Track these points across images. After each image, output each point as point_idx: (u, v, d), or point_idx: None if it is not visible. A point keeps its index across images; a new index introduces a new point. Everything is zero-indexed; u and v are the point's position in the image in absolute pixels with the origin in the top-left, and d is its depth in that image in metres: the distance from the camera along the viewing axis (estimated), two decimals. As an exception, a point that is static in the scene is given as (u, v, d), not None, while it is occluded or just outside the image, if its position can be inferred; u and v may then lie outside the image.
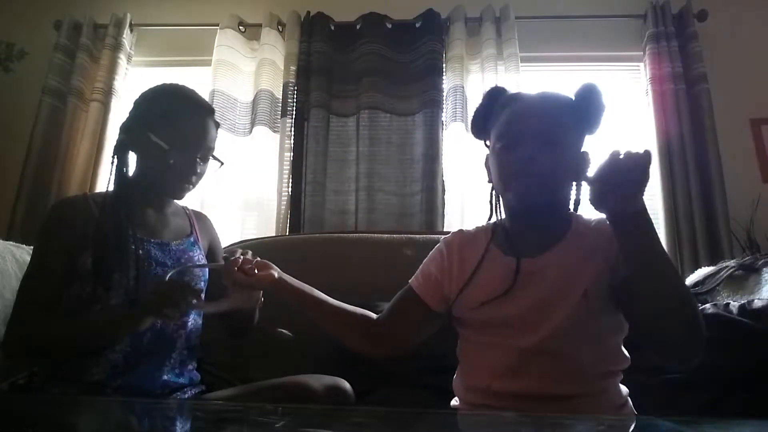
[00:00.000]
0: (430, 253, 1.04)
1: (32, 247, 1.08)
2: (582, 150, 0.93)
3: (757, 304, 1.13)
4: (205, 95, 2.19)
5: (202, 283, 1.13)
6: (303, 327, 1.08)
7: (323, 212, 2.12)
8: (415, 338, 1.00)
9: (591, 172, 0.77)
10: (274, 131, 2.25)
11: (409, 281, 1.02)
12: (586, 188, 0.80)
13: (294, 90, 2.26)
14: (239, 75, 2.33)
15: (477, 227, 1.03)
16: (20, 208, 2.12)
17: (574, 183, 0.92)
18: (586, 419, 0.75)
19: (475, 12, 2.31)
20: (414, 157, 2.17)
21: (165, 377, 1.03)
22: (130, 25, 2.36)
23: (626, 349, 0.90)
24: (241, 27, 2.36)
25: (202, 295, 1.14)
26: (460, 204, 2.11)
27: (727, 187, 2.04)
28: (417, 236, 1.70)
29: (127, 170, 1.08)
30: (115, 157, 1.07)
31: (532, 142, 0.87)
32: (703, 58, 2.17)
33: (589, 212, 0.89)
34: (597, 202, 0.76)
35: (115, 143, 1.09)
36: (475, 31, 2.31)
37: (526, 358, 0.85)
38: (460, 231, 1.04)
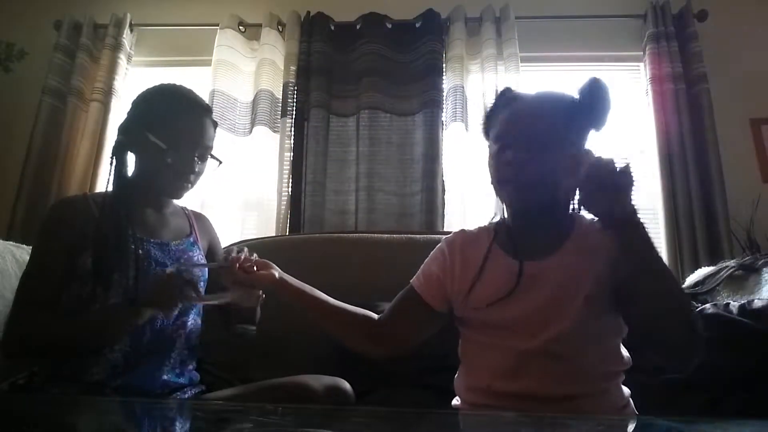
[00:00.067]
0: (432, 252, 1.03)
1: (31, 247, 1.08)
2: (585, 148, 0.91)
3: (757, 304, 1.13)
4: (205, 95, 2.19)
5: (202, 283, 1.13)
6: (303, 327, 1.08)
7: (323, 212, 2.12)
8: (416, 338, 1.00)
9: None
10: (274, 131, 2.25)
11: (411, 281, 1.01)
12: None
13: (294, 90, 2.26)
14: (239, 75, 2.33)
15: (479, 227, 1.03)
16: (20, 208, 2.12)
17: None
18: (586, 419, 0.75)
19: (475, 12, 2.31)
20: (414, 157, 2.17)
21: (165, 377, 1.03)
22: (130, 25, 2.36)
23: (626, 349, 0.90)
24: (241, 27, 2.36)
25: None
26: (460, 204, 2.11)
27: (727, 187, 2.04)
28: (417, 236, 1.70)
29: (126, 170, 1.08)
30: (114, 157, 1.07)
31: (517, 145, 0.88)
32: (703, 58, 2.17)
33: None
34: (585, 204, 0.77)
35: (113, 144, 1.09)
36: (475, 31, 2.31)
37: (526, 360, 0.85)
38: (462, 231, 1.04)
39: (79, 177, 2.17)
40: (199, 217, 1.25)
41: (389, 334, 0.98)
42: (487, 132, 0.98)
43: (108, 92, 2.26)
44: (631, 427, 0.81)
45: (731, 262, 1.44)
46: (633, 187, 0.75)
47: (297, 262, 1.25)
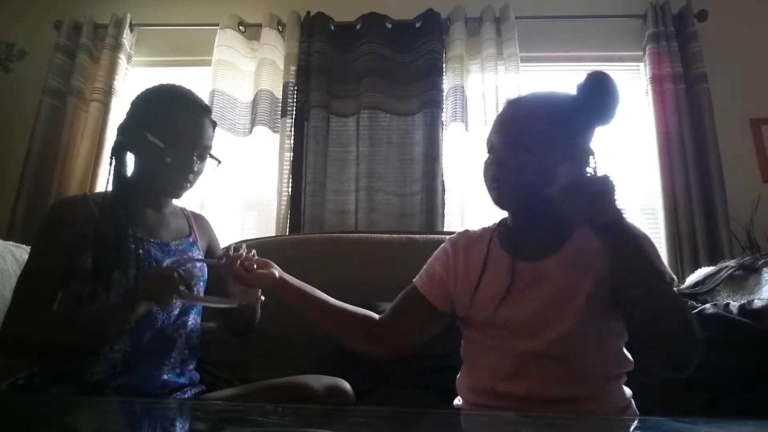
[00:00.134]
0: (435, 252, 1.03)
1: (31, 246, 1.08)
2: (587, 146, 0.90)
3: (757, 304, 1.13)
4: (205, 95, 2.20)
5: (202, 283, 1.13)
6: (303, 327, 1.08)
7: (323, 212, 2.12)
8: (418, 338, 1.00)
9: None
10: (274, 131, 2.25)
11: (413, 280, 1.01)
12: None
13: (294, 90, 2.26)
14: (239, 75, 2.33)
15: (483, 228, 1.02)
16: (20, 208, 2.12)
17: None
18: (586, 419, 0.75)
19: (475, 12, 2.31)
20: (414, 157, 2.17)
21: (165, 377, 1.03)
22: (130, 25, 2.36)
23: (627, 350, 0.90)
24: (241, 27, 2.36)
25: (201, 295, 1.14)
26: (460, 204, 2.11)
27: (727, 187, 2.04)
28: (417, 236, 1.70)
29: (125, 170, 1.08)
30: (113, 157, 1.07)
31: (495, 149, 0.91)
32: (703, 58, 2.17)
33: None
34: (566, 214, 0.78)
35: (113, 144, 1.09)
36: (475, 31, 2.31)
37: (527, 361, 0.85)
38: (466, 231, 1.03)
39: (79, 177, 2.17)
40: (198, 218, 1.25)
41: (390, 334, 0.98)
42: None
43: (108, 92, 2.26)
44: (631, 427, 0.81)
45: (731, 262, 1.44)
46: (613, 194, 0.75)
47: (297, 262, 1.25)
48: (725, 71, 2.22)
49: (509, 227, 0.97)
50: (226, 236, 1.17)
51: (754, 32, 2.32)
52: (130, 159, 1.09)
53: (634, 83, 2.36)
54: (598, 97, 0.87)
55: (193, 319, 1.11)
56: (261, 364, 1.29)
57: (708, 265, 1.61)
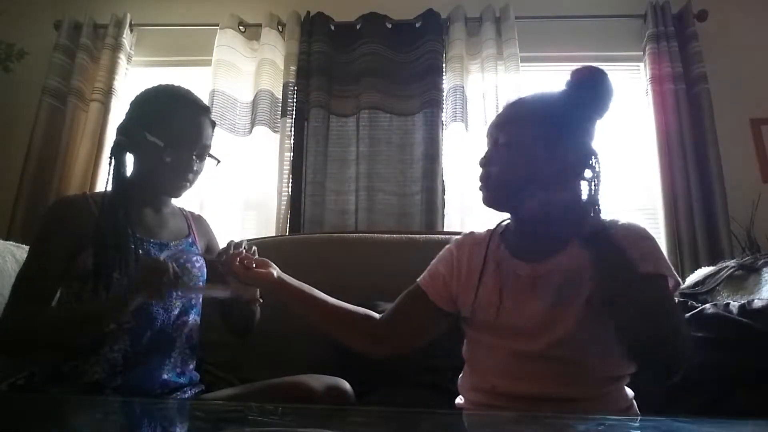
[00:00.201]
0: (440, 252, 1.04)
1: (30, 245, 1.08)
2: (586, 145, 0.90)
3: (757, 304, 1.13)
4: (205, 95, 2.20)
5: (201, 283, 1.13)
6: (303, 327, 1.08)
7: (323, 212, 2.12)
8: (420, 338, 1.00)
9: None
10: (274, 131, 2.25)
11: (417, 280, 1.02)
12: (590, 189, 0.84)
13: (294, 90, 2.26)
14: (239, 75, 2.32)
15: (488, 230, 1.03)
16: (20, 208, 2.12)
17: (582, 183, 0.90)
18: (586, 419, 0.75)
19: (475, 12, 2.31)
20: (414, 157, 2.17)
21: (165, 377, 1.04)
22: (130, 25, 2.36)
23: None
24: (241, 27, 2.36)
25: (200, 298, 1.14)
26: (460, 204, 2.11)
27: (727, 187, 2.04)
28: (417, 236, 1.70)
29: (124, 171, 1.08)
30: (113, 157, 1.07)
31: (487, 150, 0.94)
32: (703, 58, 2.17)
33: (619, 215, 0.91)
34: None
35: (112, 144, 1.09)
36: (475, 31, 2.31)
37: (528, 362, 0.85)
38: (471, 233, 1.04)
39: (79, 177, 2.17)
40: (197, 218, 1.25)
41: (391, 333, 0.98)
42: None
43: (108, 92, 2.26)
44: (631, 427, 0.81)
45: (731, 262, 1.44)
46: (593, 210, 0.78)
47: (297, 262, 1.25)
48: (725, 71, 2.22)
49: (510, 229, 0.98)
50: (226, 236, 1.17)
51: (754, 32, 2.32)
52: (130, 159, 1.09)
53: (634, 83, 2.36)
54: (585, 91, 0.87)
55: (193, 319, 1.11)
56: (261, 364, 1.29)
57: (708, 265, 1.60)
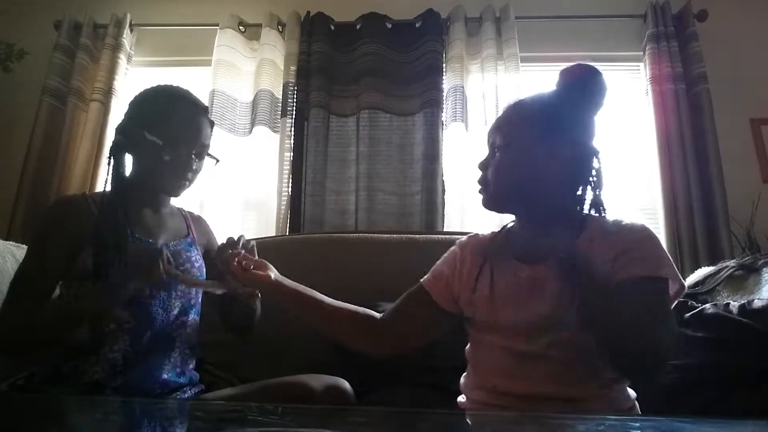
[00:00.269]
0: (445, 254, 1.05)
1: (29, 244, 1.08)
2: (585, 144, 0.90)
3: (757, 304, 1.13)
4: (205, 95, 2.20)
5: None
6: (303, 327, 1.08)
7: (323, 212, 2.12)
8: (421, 337, 1.00)
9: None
10: (274, 131, 2.25)
11: (421, 280, 1.02)
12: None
13: (294, 90, 2.26)
14: (239, 75, 2.33)
15: (492, 232, 1.03)
16: (20, 208, 2.12)
17: (584, 184, 0.90)
18: (586, 419, 0.75)
19: (475, 12, 2.31)
20: (414, 157, 2.17)
21: (165, 376, 1.04)
22: (130, 25, 2.36)
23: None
24: (241, 27, 2.36)
25: (199, 297, 1.14)
26: (460, 204, 2.11)
27: (727, 187, 2.04)
28: (417, 236, 1.70)
29: (123, 171, 1.08)
30: (112, 157, 1.07)
31: (488, 152, 0.95)
32: (703, 58, 2.17)
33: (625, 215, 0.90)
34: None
35: (111, 145, 1.09)
36: (475, 31, 2.31)
37: (528, 362, 0.85)
38: (476, 235, 1.05)
39: (79, 177, 2.17)
40: (197, 218, 1.25)
41: (392, 332, 0.98)
42: None
43: (108, 92, 2.26)
44: (631, 427, 0.81)
45: (731, 262, 1.44)
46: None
47: (297, 262, 1.25)
48: (725, 71, 2.22)
49: (513, 231, 0.98)
50: (226, 236, 1.17)
51: (754, 32, 2.33)
52: (129, 160, 1.09)
53: (634, 83, 2.36)
54: (575, 89, 0.88)
55: (192, 319, 1.11)
56: (261, 364, 1.29)
57: (708, 265, 1.60)
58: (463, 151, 2.14)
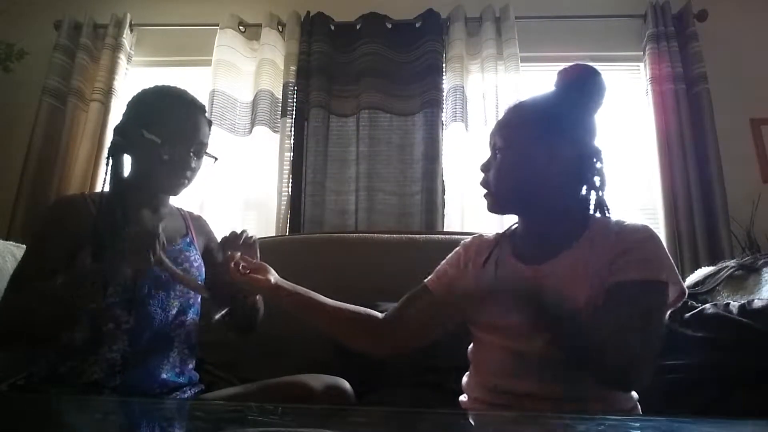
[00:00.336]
0: (450, 254, 1.05)
1: (28, 243, 1.07)
2: (586, 145, 0.90)
3: (757, 304, 1.13)
4: (205, 95, 2.20)
5: (199, 282, 1.13)
6: (303, 326, 1.07)
7: (323, 212, 2.12)
8: (424, 336, 1.00)
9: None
10: (274, 131, 2.25)
11: (425, 280, 1.03)
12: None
13: (294, 90, 2.26)
14: (239, 75, 2.33)
15: (497, 233, 1.04)
16: (20, 208, 2.12)
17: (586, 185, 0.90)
18: (586, 419, 0.75)
19: (475, 12, 2.31)
20: (414, 157, 2.17)
21: (164, 376, 1.03)
22: (130, 25, 2.36)
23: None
24: (241, 27, 2.37)
25: (198, 297, 1.14)
26: (460, 204, 2.11)
27: (727, 187, 2.04)
28: (417, 236, 1.70)
29: (122, 171, 1.08)
30: (110, 158, 1.07)
31: (489, 154, 0.95)
32: (703, 58, 2.17)
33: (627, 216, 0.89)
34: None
35: (109, 145, 1.09)
36: (475, 31, 2.31)
37: (529, 362, 0.85)
38: (480, 235, 1.05)
39: (79, 177, 2.17)
40: (196, 218, 1.25)
41: (394, 332, 0.98)
42: None
43: (108, 92, 2.26)
44: (631, 427, 0.81)
45: (731, 262, 1.44)
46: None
47: (297, 262, 1.25)
48: (725, 71, 2.22)
49: (516, 232, 0.99)
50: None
51: (754, 32, 2.33)
52: (127, 160, 1.10)
53: (634, 83, 2.36)
54: (573, 89, 0.88)
55: (191, 319, 1.11)
56: (261, 364, 1.29)
57: (708, 265, 1.60)
58: (463, 151, 2.14)
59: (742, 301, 1.17)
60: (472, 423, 0.85)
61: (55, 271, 0.98)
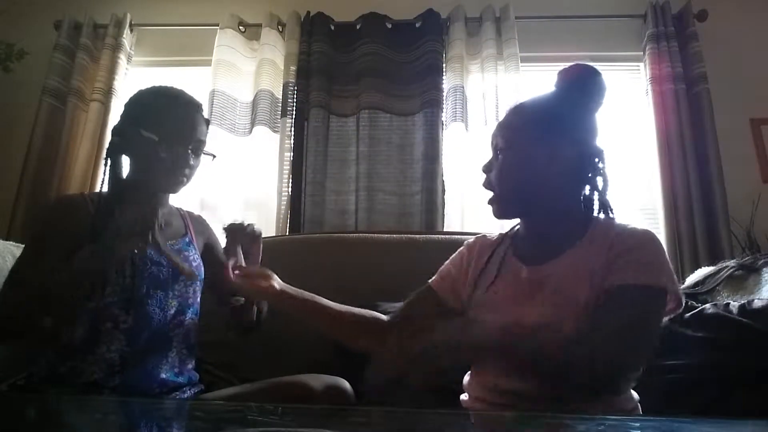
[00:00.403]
0: (453, 254, 1.05)
1: (26, 241, 1.07)
2: (588, 145, 0.89)
3: (757, 304, 1.13)
4: (205, 95, 2.20)
5: (198, 282, 1.13)
6: (303, 326, 1.07)
7: (323, 212, 2.12)
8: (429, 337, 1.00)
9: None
10: (274, 131, 2.25)
11: (429, 281, 1.03)
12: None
13: (294, 90, 2.26)
14: (239, 75, 2.33)
15: (500, 233, 1.03)
16: (20, 208, 2.12)
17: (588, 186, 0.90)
18: (586, 419, 0.75)
19: (475, 12, 2.31)
20: (414, 157, 2.17)
21: (163, 376, 1.03)
22: (130, 25, 2.36)
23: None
24: (241, 27, 2.36)
25: (197, 297, 1.14)
26: (460, 204, 2.11)
27: (727, 187, 2.04)
28: (417, 236, 1.70)
29: (120, 171, 1.09)
30: (109, 158, 1.07)
31: (492, 155, 0.94)
32: (703, 58, 2.17)
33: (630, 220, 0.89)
34: None
35: (107, 146, 1.09)
36: (475, 31, 2.31)
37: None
38: (484, 235, 1.05)
39: (79, 177, 2.17)
40: (195, 218, 1.25)
41: (399, 334, 0.98)
42: None
43: (108, 92, 2.26)
44: (631, 427, 0.81)
45: (731, 262, 1.44)
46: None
47: (297, 262, 1.25)
48: (725, 71, 2.22)
49: (518, 232, 0.99)
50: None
51: (754, 32, 2.33)
52: (126, 161, 1.10)
53: (634, 83, 2.36)
54: (574, 89, 0.88)
55: (190, 319, 1.11)
56: (261, 364, 1.29)
57: (708, 265, 1.60)
58: (463, 151, 2.14)
59: (742, 301, 1.17)
60: (473, 423, 0.85)
61: (53, 270, 0.98)
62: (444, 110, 2.20)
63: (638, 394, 0.90)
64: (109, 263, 0.97)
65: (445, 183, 2.14)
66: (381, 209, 2.13)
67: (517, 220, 1.00)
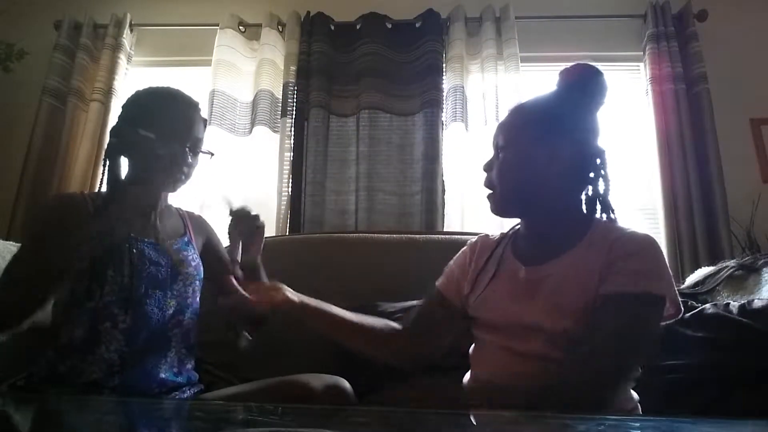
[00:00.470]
0: (457, 254, 1.06)
1: (24, 238, 1.07)
2: (588, 144, 0.90)
3: (757, 304, 1.13)
4: (205, 95, 2.20)
5: (198, 282, 1.13)
6: (303, 327, 1.07)
7: (323, 212, 2.12)
8: (444, 339, 1.01)
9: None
10: (274, 131, 2.25)
11: (436, 284, 1.04)
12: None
13: (294, 90, 2.26)
14: (239, 75, 2.33)
15: (501, 233, 1.04)
16: (20, 208, 2.12)
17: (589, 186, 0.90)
18: (586, 419, 0.75)
19: (475, 12, 2.31)
20: (414, 157, 2.17)
21: (162, 376, 1.03)
22: (130, 25, 2.36)
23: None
24: (241, 27, 2.37)
25: (197, 297, 1.14)
26: (460, 204, 2.11)
27: (727, 187, 2.04)
28: (417, 236, 1.70)
29: (119, 171, 1.09)
30: (108, 159, 1.07)
31: (493, 154, 0.95)
32: (703, 58, 2.17)
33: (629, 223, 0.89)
34: None
35: (106, 146, 1.09)
36: (475, 31, 2.31)
37: (527, 362, 0.85)
38: (486, 235, 1.05)
39: (79, 177, 2.17)
40: (194, 217, 1.26)
41: (418, 342, 0.99)
42: None
43: (108, 92, 2.26)
44: (631, 427, 0.81)
45: (731, 262, 1.44)
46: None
47: (297, 262, 1.25)
48: (725, 71, 2.22)
49: (518, 232, 0.99)
50: (225, 237, 1.17)
51: (754, 32, 2.33)
52: (124, 162, 1.10)
53: (634, 83, 2.36)
54: (575, 89, 0.88)
55: (189, 319, 1.11)
56: (261, 364, 1.29)
57: (708, 265, 1.60)
58: (463, 151, 2.14)
59: (742, 301, 1.17)
60: (472, 423, 0.85)
61: (51, 269, 0.98)
62: (444, 110, 2.20)
63: (638, 394, 0.90)
64: (107, 262, 0.97)
65: (445, 183, 2.14)
66: (381, 209, 2.13)
67: (518, 220, 1.00)
